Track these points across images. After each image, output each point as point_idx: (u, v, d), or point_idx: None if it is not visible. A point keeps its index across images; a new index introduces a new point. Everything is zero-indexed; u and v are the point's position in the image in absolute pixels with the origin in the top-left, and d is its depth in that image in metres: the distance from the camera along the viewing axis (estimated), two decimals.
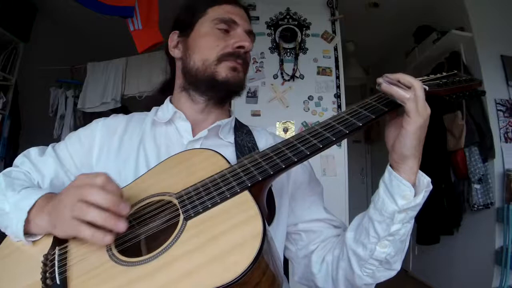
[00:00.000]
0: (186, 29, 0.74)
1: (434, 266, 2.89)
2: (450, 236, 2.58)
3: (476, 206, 2.24)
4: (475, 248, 2.36)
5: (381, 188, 0.56)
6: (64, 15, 2.98)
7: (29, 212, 0.55)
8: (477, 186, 2.26)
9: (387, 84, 0.53)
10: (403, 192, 0.53)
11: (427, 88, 0.54)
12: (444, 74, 0.60)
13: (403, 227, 0.54)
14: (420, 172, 0.55)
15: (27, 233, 0.55)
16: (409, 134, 0.51)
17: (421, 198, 0.53)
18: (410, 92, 0.51)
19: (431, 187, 0.54)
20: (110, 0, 2.03)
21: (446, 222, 2.55)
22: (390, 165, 0.55)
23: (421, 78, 0.57)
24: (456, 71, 0.61)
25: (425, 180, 0.54)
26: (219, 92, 0.71)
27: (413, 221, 0.55)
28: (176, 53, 0.76)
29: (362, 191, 4.46)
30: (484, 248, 2.25)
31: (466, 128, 2.32)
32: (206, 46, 0.70)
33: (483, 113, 2.30)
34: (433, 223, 2.63)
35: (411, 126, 0.51)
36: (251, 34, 0.75)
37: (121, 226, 0.45)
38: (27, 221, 0.55)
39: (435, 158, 2.48)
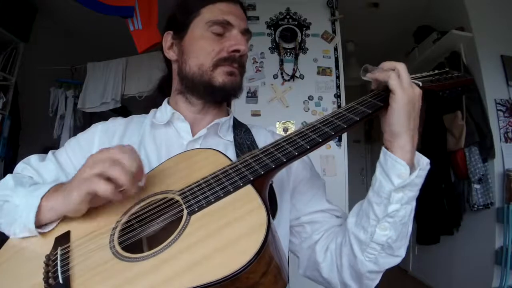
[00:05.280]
0: (180, 31, 0.73)
1: (434, 266, 2.89)
2: (450, 236, 2.58)
3: (476, 206, 2.25)
4: (475, 248, 2.36)
5: (377, 170, 0.56)
6: (64, 15, 2.98)
7: (41, 199, 0.54)
8: (477, 186, 2.26)
9: (371, 71, 0.58)
10: (398, 171, 0.53)
11: (420, 84, 0.57)
12: (436, 71, 0.65)
13: (402, 208, 0.54)
14: (419, 154, 0.55)
15: (37, 224, 0.54)
16: (395, 111, 0.53)
17: (415, 176, 0.53)
18: (393, 72, 0.54)
19: (429, 166, 0.55)
20: (110, 0, 2.03)
21: (446, 222, 2.56)
22: (385, 147, 0.56)
23: (414, 76, 0.60)
24: (447, 69, 0.66)
25: (424, 162, 0.55)
26: (216, 96, 0.71)
27: (414, 203, 0.55)
28: (171, 55, 0.75)
29: (362, 191, 4.43)
30: (484, 248, 2.25)
31: (466, 128, 2.32)
32: (201, 51, 0.69)
33: (483, 113, 2.30)
34: (433, 223, 2.64)
35: (397, 103, 0.52)
36: (247, 33, 0.73)
37: (133, 189, 0.50)
38: (38, 209, 0.54)
39: (435, 158, 2.49)
